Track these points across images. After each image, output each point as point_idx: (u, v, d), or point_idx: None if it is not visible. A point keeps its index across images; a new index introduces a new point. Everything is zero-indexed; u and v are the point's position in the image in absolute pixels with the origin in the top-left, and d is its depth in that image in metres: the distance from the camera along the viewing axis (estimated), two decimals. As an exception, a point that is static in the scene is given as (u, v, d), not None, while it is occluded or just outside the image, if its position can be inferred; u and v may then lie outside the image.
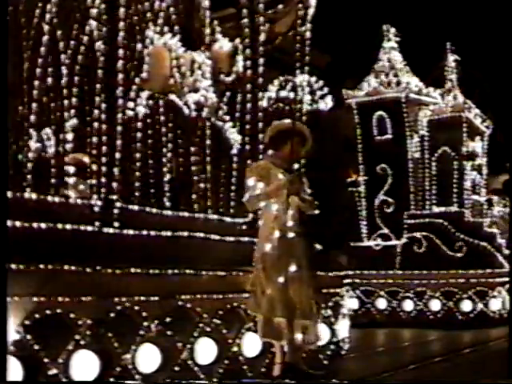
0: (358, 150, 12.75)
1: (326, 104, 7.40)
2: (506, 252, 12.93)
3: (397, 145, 12.46)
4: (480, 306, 11.52)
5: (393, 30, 12.87)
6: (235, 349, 5.78)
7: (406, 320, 11.84)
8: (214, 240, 6.16)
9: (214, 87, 6.89)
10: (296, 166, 5.83)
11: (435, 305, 11.71)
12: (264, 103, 7.08)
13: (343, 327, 7.19)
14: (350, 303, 12.12)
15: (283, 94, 7.13)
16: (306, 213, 5.62)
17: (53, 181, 5.90)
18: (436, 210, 12.27)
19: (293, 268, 5.36)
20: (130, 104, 5.87)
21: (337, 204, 13.83)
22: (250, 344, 5.88)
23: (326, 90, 7.46)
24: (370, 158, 12.66)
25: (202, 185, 6.64)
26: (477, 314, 11.52)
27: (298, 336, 5.46)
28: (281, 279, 5.32)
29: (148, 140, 6.26)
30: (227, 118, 7.07)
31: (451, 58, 13.07)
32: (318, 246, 8.16)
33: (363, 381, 6.54)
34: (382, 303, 12.18)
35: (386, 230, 12.51)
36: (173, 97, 6.44)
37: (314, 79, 7.32)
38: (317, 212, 5.79)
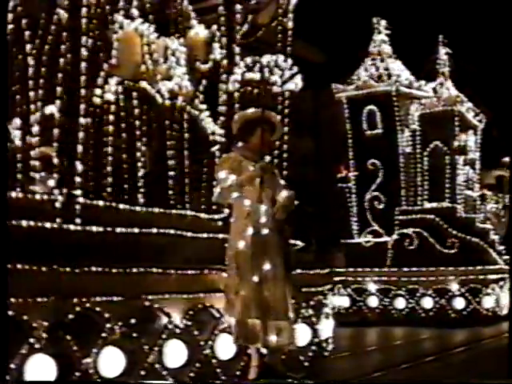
0: (348, 145, 12.48)
1: (296, 84, 7.06)
2: (500, 248, 12.72)
3: (387, 139, 12.23)
4: (473, 303, 11.29)
5: (383, 22, 12.59)
6: (207, 351, 5.51)
7: (397, 318, 11.60)
8: (186, 237, 5.89)
9: (189, 75, 6.65)
10: (268, 158, 5.55)
11: (427, 303, 11.48)
12: (229, 87, 6.78)
13: (326, 327, 6.93)
14: (341, 301, 12.10)
15: (250, 75, 6.80)
16: (286, 208, 5.34)
17: (19, 176, 5.66)
18: (428, 205, 12.01)
19: (267, 266, 5.13)
20: (98, 91, 5.60)
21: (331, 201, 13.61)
22: (224, 346, 5.61)
23: (295, 69, 7.10)
24: (360, 153, 12.42)
25: (177, 178, 6.39)
26: (470, 311, 11.28)
27: (273, 337, 5.21)
28: (255, 278, 5.10)
29: (119, 131, 5.99)
30: (204, 107, 6.81)
31: (443, 51, 12.83)
32: (300, 243, 7.94)
33: (350, 381, 6.37)
34: (373, 301, 11.95)
35: (376, 227, 12.27)
36: (144, 84, 6.18)
37: (281, 58, 7.01)
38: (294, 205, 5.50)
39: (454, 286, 11.29)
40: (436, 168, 12.16)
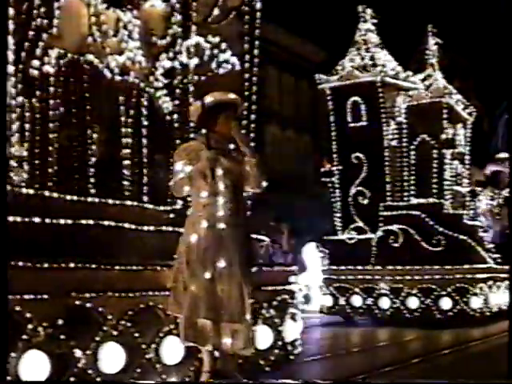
0: (331, 137, 11.99)
1: (233, 65, 6.61)
2: (489, 246, 12.24)
3: (372, 132, 11.70)
4: (460, 303, 10.78)
5: (369, 11, 12.09)
6: (150, 355, 5.02)
7: (382, 318, 11.16)
8: (131, 230, 5.40)
9: (144, 50, 6.18)
10: (232, 145, 5.05)
11: (413, 302, 10.99)
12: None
13: (292, 329, 6.44)
14: (324, 300, 11.64)
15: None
16: (256, 187, 5.03)
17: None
18: (414, 201, 11.52)
19: (221, 263, 4.74)
20: (35, 63, 5.12)
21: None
22: (170, 349, 5.12)
23: (228, 53, 6.65)
24: (344, 146, 11.93)
25: (131, 166, 5.92)
26: (457, 312, 10.77)
27: (227, 341, 4.82)
28: (207, 275, 4.70)
29: (63, 111, 5.50)
30: (160, 85, 6.34)
31: (432, 42, 12.36)
32: (266, 239, 7.47)
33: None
34: (356, 300, 11.47)
35: (360, 223, 11.79)
36: (91, 58, 5.70)
37: (217, 40, 6.55)
38: (265, 185, 5.08)
39: (441, 286, 10.79)
40: (423, 162, 11.69)
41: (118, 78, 5.91)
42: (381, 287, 11.22)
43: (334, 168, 12.01)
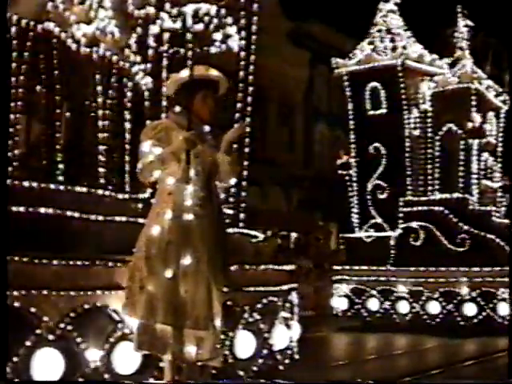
0: (349, 126, 11.11)
1: (235, 43, 5.81)
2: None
3: (393, 121, 10.79)
4: (486, 310, 9.91)
5: (392, -11, 11.17)
6: (98, 363, 4.23)
7: (400, 324, 10.32)
8: (81, 219, 4.62)
9: (118, 20, 5.43)
10: (207, 128, 4.37)
11: (433, 307, 10.15)
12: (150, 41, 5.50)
13: (282, 335, 5.60)
14: (339, 303, 10.81)
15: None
16: (227, 177, 4.34)
17: None
18: (436, 196, 10.60)
19: (187, 260, 4.07)
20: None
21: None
22: (124, 357, 4.36)
23: (234, 27, 5.85)
24: (362, 136, 11.06)
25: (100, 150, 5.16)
26: (482, 319, 9.91)
27: (191, 349, 4.12)
28: (168, 273, 4.03)
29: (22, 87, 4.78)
30: (138, 59, 5.57)
31: (462, 23, 11.38)
32: (260, 235, 6.72)
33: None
34: (373, 304, 10.64)
35: (378, 220, 10.92)
36: (51, 26, 4.94)
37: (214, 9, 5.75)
38: (233, 182, 4.44)
39: (464, 290, 9.94)
40: (449, 154, 10.77)
41: (84, 49, 5.13)
42: (399, 290, 10.36)
43: (351, 160, 11.13)
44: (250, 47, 6.27)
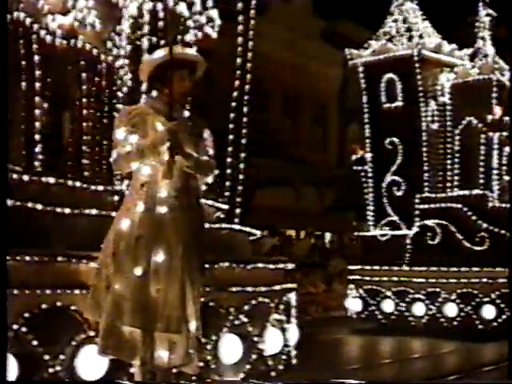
0: (363, 120, 10.66)
1: (213, 27, 5.43)
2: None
3: (409, 114, 10.32)
4: (506, 312, 9.37)
5: (408, -24, 10.69)
6: (58, 368, 3.89)
7: (415, 327, 9.92)
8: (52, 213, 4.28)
9: (99, 11, 5.09)
10: (186, 112, 4.09)
11: (451, 310, 9.70)
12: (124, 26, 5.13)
13: (272, 340, 5.21)
14: (353, 304, 10.44)
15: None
16: (201, 178, 4.02)
17: None
18: (454, 192, 10.11)
19: (159, 256, 3.76)
20: None
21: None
22: (88, 361, 4.02)
23: (214, 11, 5.47)
24: (377, 129, 10.59)
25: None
26: (502, 322, 9.40)
27: (162, 354, 3.81)
28: (137, 270, 3.71)
29: None
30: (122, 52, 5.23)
31: (483, 12, 10.84)
32: (257, 232, 6.35)
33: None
34: (388, 305, 10.21)
35: (394, 217, 10.46)
36: (21, 17, 4.62)
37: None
38: (210, 178, 4.10)
39: (483, 291, 9.46)
40: (468, 148, 10.25)
41: (60, 41, 4.82)
42: (415, 291, 9.93)
43: (367, 155, 10.68)
44: (248, 33, 5.86)
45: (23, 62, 4.60)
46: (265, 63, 22.13)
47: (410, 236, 10.25)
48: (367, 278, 10.35)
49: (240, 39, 5.97)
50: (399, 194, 10.42)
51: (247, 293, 4.97)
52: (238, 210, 5.98)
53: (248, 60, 5.93)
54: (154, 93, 4.10)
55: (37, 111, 4.63)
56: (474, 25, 10.97)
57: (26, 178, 4.29)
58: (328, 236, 21.02)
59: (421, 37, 10.13)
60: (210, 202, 5.53)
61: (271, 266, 5.35)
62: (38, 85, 4.65)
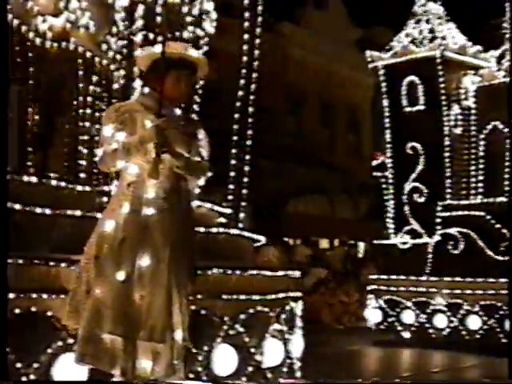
0: (384, 124, 10.32)
1: (211, 23, 5.16)
2: None
3: (431, 118, 9.95)
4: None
5: (431, -24, 10.35)
6: (32, 376, 3.70)
7: (436, 339, 9.53)
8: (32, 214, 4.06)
9: (93, 12, 4.87)
10: (178, 111, 3.81)
11: (473, 322, 9.29)
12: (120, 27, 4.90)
13: (272, 352, 4.91)
14: (372, 315, 10.10)
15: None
16: (189, 179, 3.76)
17: None
18: (477, 200, 9.71)
19: (144, 261, 3.52)
20: None
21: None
22: (66, 371, 3.79)
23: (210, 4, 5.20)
24: (398, 134, 10.23)
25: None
26: (527, 336, 8.92)
27: (145, 364, 3.55)
28: (119, 275, 3.51)
29: None
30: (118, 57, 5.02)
31: (510, 13, 10.41)
32: (262, 239, 6.10)
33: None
34: (408, 317, 9.83)
35: (415, 225, 10.06)
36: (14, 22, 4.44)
37: None
38: (202, 180, 3.85)
39: (508, 303, 8.90)
40: (493, 154, 9.84)
41: (50, 44, 4.62)
42: (437, 302, 9.52)
43: (387, 160, 10.33)
44: (255, 30, 5.60)
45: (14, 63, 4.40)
46: (300, 71, 22.02)
47: (431, 244, 9.88)
48: (387, 288, 10.00)
49: (246, 36, 5.63)
50: (420, 200, 10.04)
51: (242, 301, 4.68)
52: (242, 215, 5.69)
53: (254, 58, 5.62)
54: (146, 89, 3.86)
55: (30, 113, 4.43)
56: (501, 26, 10.58)
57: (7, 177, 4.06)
58: (362, 245, 20.71)
59: (444, 38, 9.76)
60: (209, 206, 5.27)
61: (269, 273, 5.04)
62: (30, 87, 4.45)
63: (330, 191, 19.81)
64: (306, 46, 21.94)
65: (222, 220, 5.77)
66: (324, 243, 20.78)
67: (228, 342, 4.56)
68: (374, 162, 10.72)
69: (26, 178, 4.16)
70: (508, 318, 8.73)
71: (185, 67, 3.73)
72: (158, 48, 3.73)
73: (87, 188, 4.46)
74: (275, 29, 21.66)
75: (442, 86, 9.82)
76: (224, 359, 4.51)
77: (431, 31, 9.97)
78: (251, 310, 4.76)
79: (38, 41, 4.70)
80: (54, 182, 4.29)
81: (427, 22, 10.07)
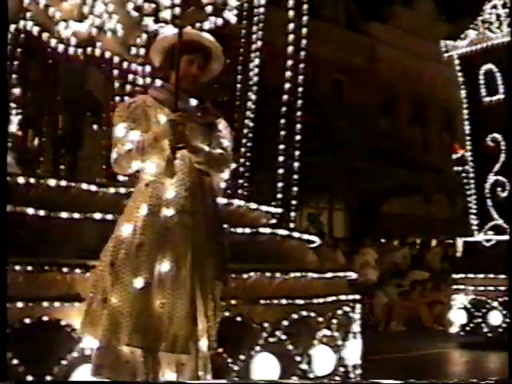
0: (463, 116, 9.85)
1: (231, 10, 4.94)
2: None
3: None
4: None
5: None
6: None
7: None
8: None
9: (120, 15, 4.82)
10: (193, 101, 3.55)
11: None
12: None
13: (321, 360, 4.70)
14: (457, 316, 9.65)
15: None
16: (212, 173, 3.50)
17: None
18: None
19: (164, 266, 3.28)
20: None
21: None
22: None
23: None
24: (478, 125, 9.77)
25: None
26: None
27: (170, 376, 3.33)
28: (138, 282, 3.27)
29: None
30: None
31: None
32: (317, 240, 5.87)
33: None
34: (495, 317, 9.31)
35: (499, 221, 9.53)
36: (28, 25, 4.44)
37: None
38: (226, 174, 3.54)
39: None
40: None
41: (70, 50, 4.58)
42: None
43: (467, 153, 9.85)
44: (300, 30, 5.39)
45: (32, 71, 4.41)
46: (391, 70, 21.57)
47: (516, 241, 9.30)
48: (473, 288, 9.52)
49: (291, 37, 5.42)
50: (504, 194, 9.52)
51: (284, 306, 4.49)
52: (292, 214, 5.47)
53: (300, 60, 5.42)
54: (158, 82, 3.69)
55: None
56: None
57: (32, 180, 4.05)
58: (460, 244, 20.03)
59: (519, 21, 9.21)
60: (254, 206, 5.09)
61: (315, 276, 4.82)
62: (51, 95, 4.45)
63: (426, 191, 19.21)
64: (395, 44, 21.46)
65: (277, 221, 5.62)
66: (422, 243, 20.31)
67: (268, 350, 4.37)
68: (454, 156, 10.23)
69: (53, 182, 4.09)
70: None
71: (197, 51, 3.49)
72: (167, 36, 3.56)
73: (122, 190, 4.36)
74: (364, 29, 21.32)
75: (522, 72, 9.27)
76: (263, 369, 4.31)
77: (509, 15, 9.41)
78: (295, 316, 4.56)
79: (61, 47, 4.68)
80: (84, 186, 4.21)
81: (503, 6, 9.52)
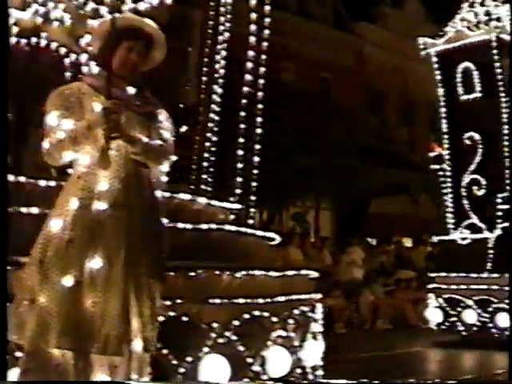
0: (440, 114, 9.83)
1: None
2: None
3: (489, 106, 9.41)
4: None
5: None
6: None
7: (499, 340, 8.89)
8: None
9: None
10: (132, 89, 3.41)
11: (539, 321, 8.62)
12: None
13: (276, 362, 4.67)
14: (433, 315, 9.69)
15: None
16: (150, 165, 3.34)
17: None
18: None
19: (95, 263, 3.11)
20: None
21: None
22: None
23: None
24: (455, 124, 9.74)
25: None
26: None
27: (104, 378, 3.19)
28: (67, 281, 3.09)
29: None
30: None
31: None
32: (276, 236, 5.83)
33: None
34: (470, 316, 9.35)
35: (475, 219, 9.52)
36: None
37: None
38: (166, 166, 3.40)
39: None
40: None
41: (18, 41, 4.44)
42: (499, 300, 8.96)
43: (444, 152, 9.84)
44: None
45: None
46: (378, 70, 21.53)
47: (492, 240, 9.35)
48: (447, 287, 9.55)
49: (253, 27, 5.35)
50: (480, 193, 9.52)
51: (235, 305, 4.43)
52: (252, 210, 5.40)
53: (262, 51, 5.36)
54: (95, 68, 3.56)
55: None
56: None
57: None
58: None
59: (499, 20, 9.16)
60: (215, 202, 5.04)
61: (269, 274, 4.75)
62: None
63: (412, 191, 19.22)
64: (383, 44, 21.42)
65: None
66: (407, 242, 20.30)
67: (218, 351, 4.32)
68: (431, 154, 10.22)
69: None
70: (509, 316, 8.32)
71: (138, 38, 3.34)
72: (107, 20, 3.38)
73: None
74: (352, 28, 21.28)
75: (499, 71, 9.24)
76: (212, 370, 4.26)
77: (487, 14, 9.38)
78: (247, 316, 4.52)
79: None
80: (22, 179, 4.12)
81: (482, 4, 9.49)
